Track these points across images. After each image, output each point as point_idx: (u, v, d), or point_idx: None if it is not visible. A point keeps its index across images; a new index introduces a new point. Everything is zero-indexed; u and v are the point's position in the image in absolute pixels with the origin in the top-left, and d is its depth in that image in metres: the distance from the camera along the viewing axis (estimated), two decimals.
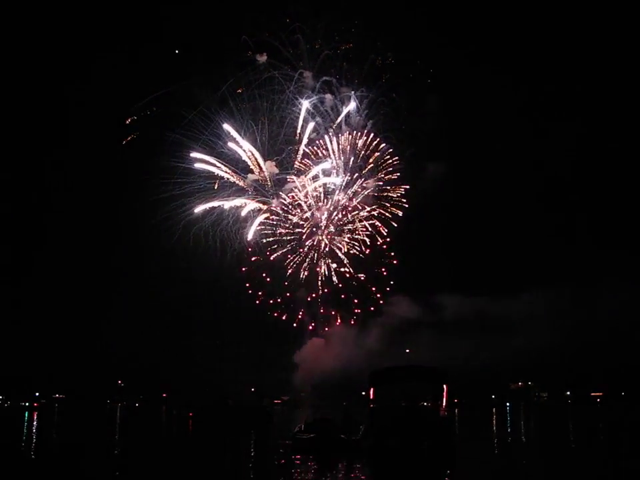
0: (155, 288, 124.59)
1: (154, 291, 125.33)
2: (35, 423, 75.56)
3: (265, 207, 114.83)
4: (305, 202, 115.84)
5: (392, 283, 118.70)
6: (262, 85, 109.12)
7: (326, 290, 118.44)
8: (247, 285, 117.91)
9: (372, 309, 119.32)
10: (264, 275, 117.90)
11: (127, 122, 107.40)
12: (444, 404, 34.13)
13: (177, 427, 69.23)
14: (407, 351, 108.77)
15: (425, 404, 34.85)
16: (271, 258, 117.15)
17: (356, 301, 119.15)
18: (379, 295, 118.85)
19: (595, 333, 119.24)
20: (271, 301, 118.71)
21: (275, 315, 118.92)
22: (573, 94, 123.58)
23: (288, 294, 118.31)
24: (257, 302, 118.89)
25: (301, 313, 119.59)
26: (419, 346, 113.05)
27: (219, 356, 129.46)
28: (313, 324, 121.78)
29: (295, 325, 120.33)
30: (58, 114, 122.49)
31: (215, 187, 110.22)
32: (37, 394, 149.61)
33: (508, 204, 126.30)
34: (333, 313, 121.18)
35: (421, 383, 36.29)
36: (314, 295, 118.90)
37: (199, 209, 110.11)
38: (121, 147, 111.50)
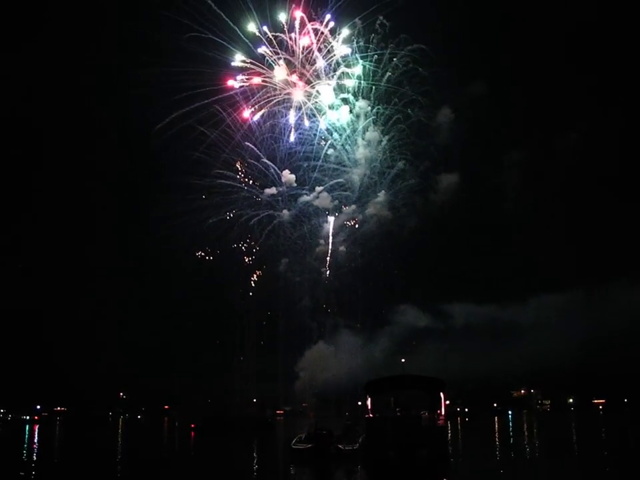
0: (157, 301, 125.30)
1: (156, 304, 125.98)
2: (35, 437, 75.53)
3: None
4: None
5: (399, 291, 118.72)
6: (280, 102, 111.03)
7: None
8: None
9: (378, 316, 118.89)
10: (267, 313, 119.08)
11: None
12: (442, 413, 34.15)
13: (180, 438, 69.20)
14: (402, 360, 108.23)
15: (423, 413, 34.81)
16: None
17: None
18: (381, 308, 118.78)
19: (598, 339, 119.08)
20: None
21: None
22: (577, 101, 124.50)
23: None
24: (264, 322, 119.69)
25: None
26: (424, 355, 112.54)
27: (221, 368, 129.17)
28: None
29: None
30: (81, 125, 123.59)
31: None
32: (38, 407, 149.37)
33: (515, 210, 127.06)
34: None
35: (418, 392, 36.32)
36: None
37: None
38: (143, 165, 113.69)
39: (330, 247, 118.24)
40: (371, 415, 34.38)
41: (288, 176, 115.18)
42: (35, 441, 68.62)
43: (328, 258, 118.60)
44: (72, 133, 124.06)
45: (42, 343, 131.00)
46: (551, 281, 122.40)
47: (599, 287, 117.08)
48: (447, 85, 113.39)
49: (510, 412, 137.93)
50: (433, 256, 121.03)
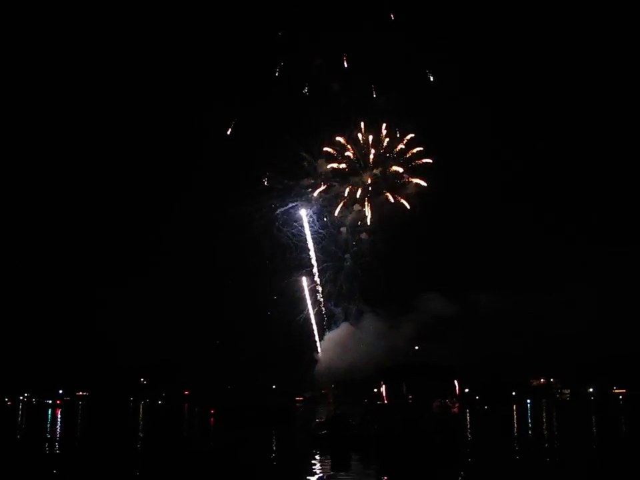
0: (179, 287, 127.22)
1: (178, 290, 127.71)
2: (58, 420, 76.88)
3: None
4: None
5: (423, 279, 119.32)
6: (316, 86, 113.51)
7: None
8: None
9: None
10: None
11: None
12: (456, 401, 34.28)
13: (199, 423, 70.10)
14: (416, 347, 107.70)
15: (437, 400, 34.96)
16: None
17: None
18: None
19: (619, 329, 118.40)
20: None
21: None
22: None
23: None
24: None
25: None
26: (445, 343, 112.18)
27: (241, 354, 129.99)
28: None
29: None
30: None
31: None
32: (61, 391, 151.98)
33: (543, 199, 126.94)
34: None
35: (431, 380, 36.44)
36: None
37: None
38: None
39: (354, 234, 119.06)
40: (385, 402, 34.67)
41: (322, 162, 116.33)
42: (58, 424, 69.96)
43: (351, 245, 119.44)
44: None
45: (64, 329, 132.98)
46: (573, 270, 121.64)
47: (619, 277, 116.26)
48: None
49: (529, 401, 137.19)
50: (459, 245, 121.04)
